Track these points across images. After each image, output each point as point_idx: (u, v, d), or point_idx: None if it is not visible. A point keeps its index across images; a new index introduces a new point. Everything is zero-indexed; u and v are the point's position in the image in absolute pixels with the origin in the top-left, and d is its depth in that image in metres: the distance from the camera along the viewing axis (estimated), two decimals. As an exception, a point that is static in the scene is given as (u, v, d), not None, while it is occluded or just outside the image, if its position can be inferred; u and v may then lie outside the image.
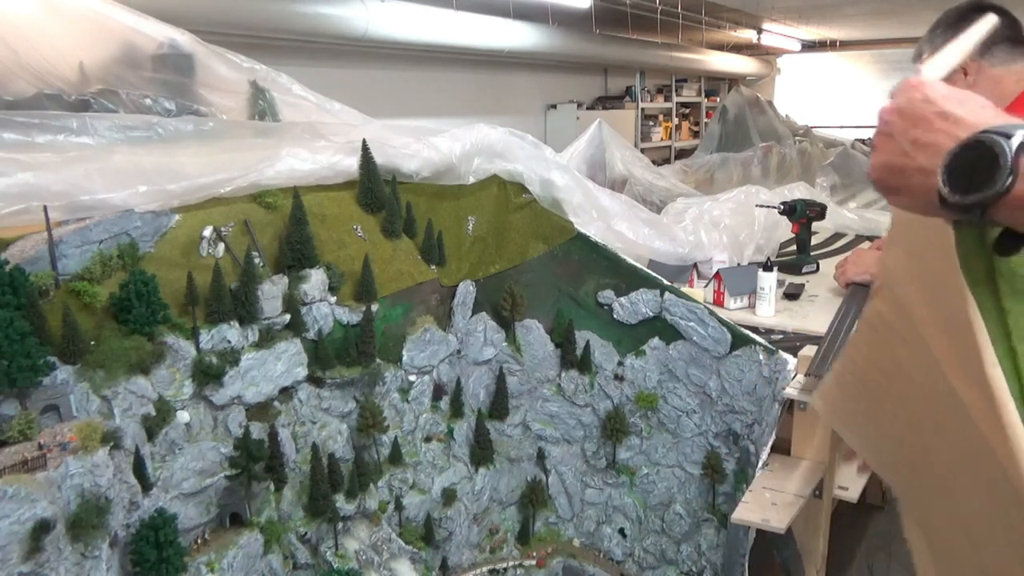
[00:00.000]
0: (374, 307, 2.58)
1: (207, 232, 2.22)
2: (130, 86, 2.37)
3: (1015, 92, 2.06)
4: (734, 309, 2.91)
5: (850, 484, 2.39)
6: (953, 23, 2.09)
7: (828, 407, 0.99)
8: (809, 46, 11.71)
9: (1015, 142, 0.57)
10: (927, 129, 0.65)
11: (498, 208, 3.07)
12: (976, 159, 0.59)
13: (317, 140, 2.57)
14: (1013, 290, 0.69)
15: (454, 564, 2.79)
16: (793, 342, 2.65)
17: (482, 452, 2.88)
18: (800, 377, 2.35)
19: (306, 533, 2.34)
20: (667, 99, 9.57)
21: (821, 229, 4.01)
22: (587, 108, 8.19)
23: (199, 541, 2.12)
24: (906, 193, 0.66)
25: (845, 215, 4.22)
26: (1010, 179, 0.57)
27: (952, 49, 0.84)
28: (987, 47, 2.08)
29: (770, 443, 2.36)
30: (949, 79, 2.32)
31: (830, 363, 2.22)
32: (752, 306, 2.91)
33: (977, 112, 0.64)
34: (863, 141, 8.81)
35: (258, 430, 2.26)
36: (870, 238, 3.95)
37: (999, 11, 2.11)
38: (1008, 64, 2.06)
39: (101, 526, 1.70)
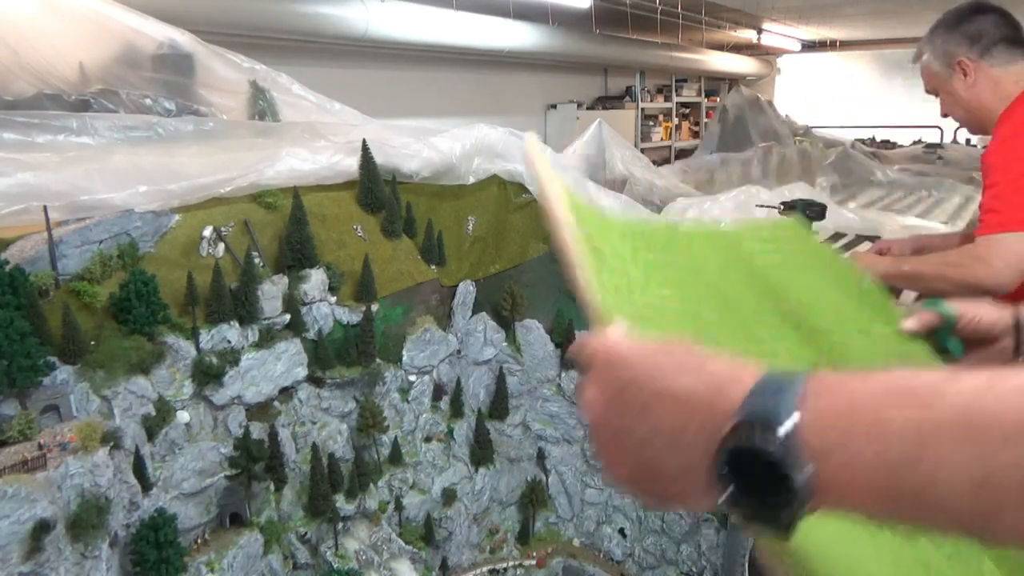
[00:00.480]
0: (374, 307, 2.57)
1: (207, 232, 2.22)
2: (130, 86, 2.37)
3: (1013, 93, 2.08)
4: (734, 309, 2.91)
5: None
6: (953, 24, 2.10)
7: None
8: (809, 46, 11.71)
9: (781, 430, 0.42)
10: (666, 418, 0.48)
11: (498, 208, 3.07)
12: (753, 466, 0.43)
13: (317, 140, 2.57)
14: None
15: (454, 564, 2.79)
16: (793, 342, 2.64)
17: (482, 452, 2.88)
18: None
19: (306, 533, 2.34)
20: (667, 99, 9.57)
21: (821, 229, 4.01)
22: (587, 108, 8.19)
23: (199, 541, 2.12)
24: (684, 499, 0.48)
25: (845, 215, 4.22)
26: (807, 478, 0.42)
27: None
28: (986, 48, 2.09)
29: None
30: (950, 80, 2.32)
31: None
32: (752, 306, 2.91)
33: (709, 379, 0.48)
34: (863, 141, 8.81)
35: (258, 430, 2.25)
36: (870, 238, 3.95)
37: (998, 11, 2.12)
38: (1007, 65, 2.07)
39: (101, 526, 1.70)
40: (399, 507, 2.61)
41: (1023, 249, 1.88)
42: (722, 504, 0.44)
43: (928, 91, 2.25)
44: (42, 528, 1.57)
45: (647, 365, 0.51)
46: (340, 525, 2.40)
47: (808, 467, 0.42)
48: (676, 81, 9.75)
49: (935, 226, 4.37)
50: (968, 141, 8.95)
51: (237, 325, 2.21)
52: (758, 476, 0.43)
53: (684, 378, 0.49)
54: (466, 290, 2.93)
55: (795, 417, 0.43)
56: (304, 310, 2.40)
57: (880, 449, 0.41)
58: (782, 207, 3.42)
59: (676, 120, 9.76)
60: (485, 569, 2.87)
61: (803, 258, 1.06)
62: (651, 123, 9.25)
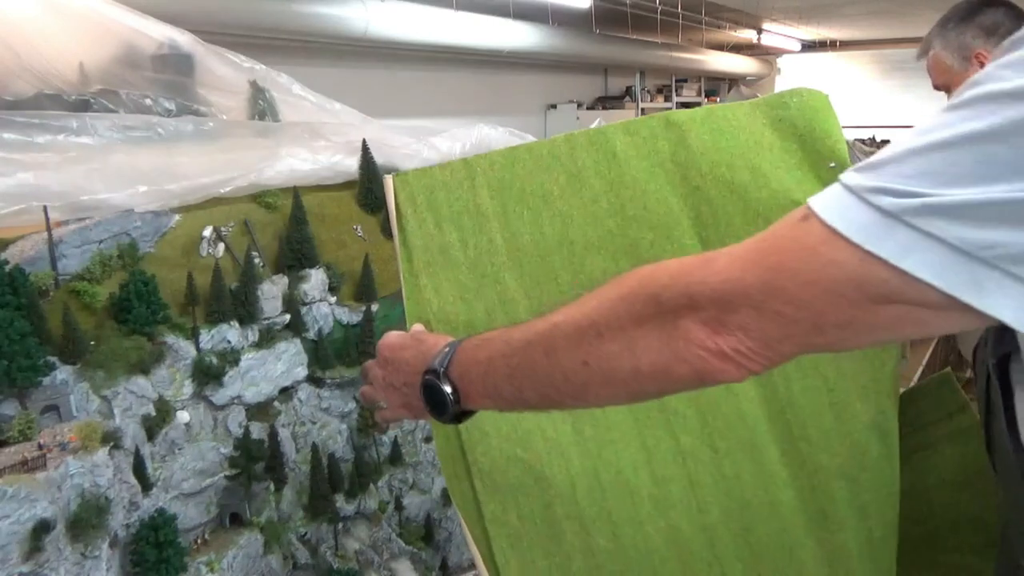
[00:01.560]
0: (374, 307, 2.58)
1: (207, 232, 2.22)
2: (130, 86, 2.37)
3: None
4: (734, 309, 2.90)
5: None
6: (966, 17, 2.08)
7: None
8: (809, 46, 11.71)
9: (439, 371, 0.83)
10: (403, 374, 0.92)
11: (498, 208, 3.07)
12: (433, 392, 0.84)
13: (317, 140, 2.57)
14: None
15: (454, 564, 2.79)
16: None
17: (482, 452, 2.88)
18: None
19: (306, 533, 2.34)
20: (667, 99, 9.56)
21: (821, 229, 4.00)
22: (587, 108, 8.19)
23: (199, 541, 2.12)
24: (424, 415, 0.90)
25: (845, 215, 4.21)
26: (453, 397, 0.82)
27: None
28: (1001, 39, 2.05)
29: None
30: (964, 74, 2.27)
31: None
32: (752, 306, 2.90)
33: (422, 348, 0.90)
34: (863, 141, 8.81)
35: (258, 430, 2.26)
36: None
37: (1009, 4, 2.09)
38: None
39: (101, 526, 1.70)
40: (399, 507, 2.61)
41: None
42: (428, 412, 0.87)
43: (937, 86, 2.22)
44: (42, 528, 1.57)
45: (396, 346, 0.95)
46: (340, 525, 2.40)
47: (449, 389, 0.82)
48: (676, 81, 9.75)
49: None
50: (968, 141, 8.94)
51: (237, 325, 2.21)
52: (436, 397, 0.84)
53: (409, 351, 0.92)
54: (466, 290, 2.93)
55: (445, 365, 0.83)
56: (304, 310, 2.40)
57: (477, 373, 0.80)
58: (782, 207, 3.42)
59: (676, 120, 9.73)
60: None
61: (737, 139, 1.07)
62: (651, 123, 9.23)
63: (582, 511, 1.04)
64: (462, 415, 0.85)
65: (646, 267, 0.68)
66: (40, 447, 1.67)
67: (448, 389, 0.82)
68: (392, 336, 0.99)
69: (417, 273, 1.03)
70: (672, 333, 0.63)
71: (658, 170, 1.04)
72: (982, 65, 2.06)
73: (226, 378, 2.16)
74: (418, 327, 1.01)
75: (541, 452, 1.05)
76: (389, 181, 1.00)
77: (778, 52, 11.58)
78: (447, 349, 0.84)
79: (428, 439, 2.77)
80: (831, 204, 0.58)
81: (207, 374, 2.12)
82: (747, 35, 9.78)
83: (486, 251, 1.00)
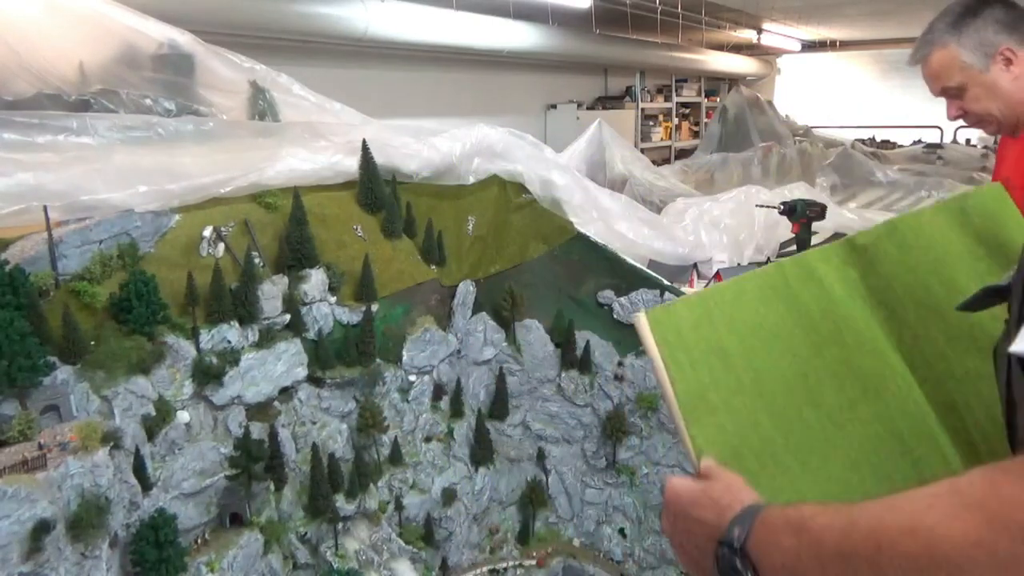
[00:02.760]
0: (374, 307, 2.58)
1: (207, 232, 2.22)
2: (130, 86, 2.37)
3: None
4: (734, 309, 2.90)
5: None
6: (978, 11, 1.98)
7: None
8: (809, 46, 11.70)
9: (736, 547, 0.78)
10: (695, 537, 0.86)
11: (498, 208, 3.07)
12: (728, 567, 0.78)
13: (317, 140, 2.57)
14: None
15: (454, 564, 2.79)
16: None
17: (482, 452, 2.88)
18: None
19: (306, 533, 2.34)
20: (667, 99, 9.56)
21: (821, 229, 4.00)
22: (587, 108, 8.19)
23: (199, 541, 2.12)
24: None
25: (845, 215, 4.22)
26: (749, 574, 0.76)
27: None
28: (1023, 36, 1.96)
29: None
30: (986, 72, 2.10)
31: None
32: (752, 306, 2.90)
33: (716, 509, 0.84)
34: (863, 141, 8.81)
35: (258, 430, 2.25)
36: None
37: (1005, 3, 1.99)
38: None
39: (101, 526, 1.70)
40: (399, 507, 2.61)
41: None
42: None
43: (945, 89, 2.08)
44: (42, 528, 1.57)
45: (687, 502, 0.88)
46: (340, 525, 2.40)
47: (748, 569, 0.76)
48: (676, 81, 9.74)
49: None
50: (968, 141, 8.94)
51: (237, 325, 2.21)
52: (733, 572, 0.77)
53: (704, 511, 0.85)
54: (466, 290, 2.93)
55: (743, 540, 0.77)
56: (304, 310, 2.40)
57: (780, 561, 0.74)
58: (782, 207, 3.42)
59: (676, 120, 9.75)
60: (485, 569, 2.87)
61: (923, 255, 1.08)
62: (651, 123, 9.25)
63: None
64: None
65: (966, 488, 0.62)
66: (40, 447, 1.67)
67: (746, 571, 0.75)
68: (681, 485, 0.89)
69: (692, 411, 0.99)
70: None
71: (856, 297, 1.06)
72: (1008, 62, 1.98)
73: (226, 378, 2.16)
74: (708, 462, 0.92)
75: None
76: (642, 320, 0.98)
77: (778, 52, 11.57)
78: (745, 518, 0.78)
79: (428, 439, 2.77)
80: None
81: (207, 374, 2.12)
82: (747, 35, 9.77)
83: (736, 391, 1.00)
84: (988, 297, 0.82)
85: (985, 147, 7.97)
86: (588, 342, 2.95)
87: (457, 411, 2.87)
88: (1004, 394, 0.86)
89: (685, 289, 2.97)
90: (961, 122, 2.11)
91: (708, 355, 1.01)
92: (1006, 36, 1.91)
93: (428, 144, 2.81)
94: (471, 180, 2.97)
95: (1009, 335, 0.82)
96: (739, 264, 3.31)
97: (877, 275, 1.07)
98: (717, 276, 2.98)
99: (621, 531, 3.00)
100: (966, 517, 0.60)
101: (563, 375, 2.99)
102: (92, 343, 1.92)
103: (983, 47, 1.93)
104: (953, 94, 2.00)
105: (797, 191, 4.09)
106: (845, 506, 0.71)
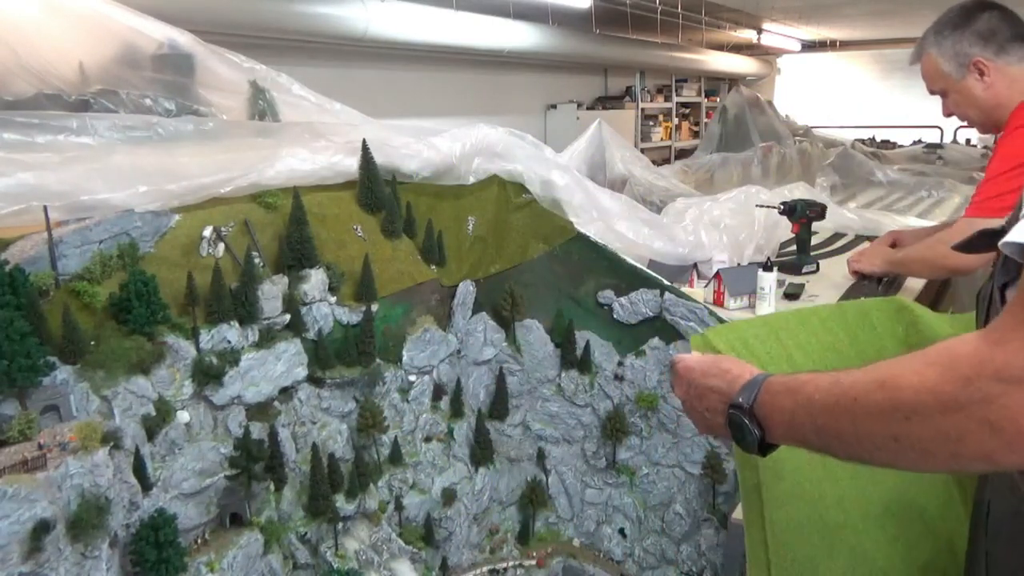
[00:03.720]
0: (374, 307, 2.58)
1: (207, 232, 2.22)
2: (130, 86, 2.37)
3: None
4: (734, 309, 2.90)
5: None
6: (960, 23, 2.06)
7: None
8: (809, 46, 11.70)
9: (745, 408, 0.91)
10: (708, 402, 1.00)
11: (498, 208, 3.07)
12: (738, 425, 0.92)
13: (317, 140, 2.57)
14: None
15: (454, 564, 2.79)
16: (793, 342, 2.64)
17: (482, 452, 2.88)
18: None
19: (306, 533, 2.34)
20: (667, 99, 9.56)
21: (821, 229, 4.00)
22: (587, 108, 8.19)
23: (199, 541, 2.12)
24: (721, 433, 1.00)
25: (845, 215, 4.21)
26: (757, 431, 0.90)
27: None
28: (1001, 46, 2.04)
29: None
30: (962, 80, 2.30)
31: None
32: (752, 306, 2.90)
33: (727, 378, 0.97)
34: (863, 141, 8.81)
35: (258, 430, 2.25)
36: (870, 238, 3.95)
37: (1001, 8, 2.08)
38: (1023, 63, 2.03)
39: (101, 526, 1.70)
40: (399, 507, 2.61)
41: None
42: (733, 441, 0.95)
43: (932, 91, 2.20)
44: (42, 528, 1.57)
45: (700, 373, 1.02)
46: (340, 525, 2.40)
47: (755, 426, 0.91)
48: (676, 81, 9.74)
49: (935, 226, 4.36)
50: (968, 141, 8.95)
51: (237, 325, 2.21)
52: (742, 431, 0.92)
53: (716, 380, 0.99)
54: (466, 290, 2.93)
55: (750, 403, 0.91)
56: (304, 310, 2.40)
57: (781, 420, 0.88)
58: (782, 207, 3.42)
59: (676, 120, 9.75)
60: (485, 569, 2.87)
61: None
62: (651, 123, 9.25)
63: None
64: (766, 447, 0.91)
65: (932, 352, 0.73)
66: (40, 447, 1.67)
67: (754, 427, 0.90)
68: (694, 360, 1.04)
69: None
70: (996, 422, 0.65)
71: (902, 348, 1.21)
72: (981, 73, 2.07)
73: (226, 378, 2.16)
74: (724, 357, 1.07)
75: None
76: (701, 337, 1.22)
77: (778, 52, 11.57)
78: (753, 385, 0.91)
79: (428, 439, 2.77)
80: None
81: (207, 374, 2.12)
82: (747, 35, 9.77)
83: None
84: (982, 238, 0.91)
85: (985, 147, 7.97)
86: (588, 342, 2.95)
87: (457, 411, 2.87)
88: (982, 325, 0.97)
89: (685, 289, 2.97)
90: (960, 121, 2.25)
91: (778, 361, 1.16)
92: (980, 48, 2.06)
93: (428, 144, 2.81)
94: (471, 180, 2.97)
95: (993, 276, 0.91)
96: (739, 264, 3.31)
97: (919, 333, 1.24)
98: (717, 276, 2.98)
99: (621, 531, 3.00)
100: (925, 370, 0.71)
101: (563, 375, 2.99)
102: (92, 343, 1.92)
103: (958, 57, 2.09)
104: (941, 95, 2.16)
105: (797, 191, 4.08)
106: (833, 371, 0.83)
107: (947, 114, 2.20)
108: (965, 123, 2.23)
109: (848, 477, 1.16)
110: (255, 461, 2.18)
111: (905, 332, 1.23)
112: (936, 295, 3.46)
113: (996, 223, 0.84)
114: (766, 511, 1.17)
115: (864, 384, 0.76)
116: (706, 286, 3.08)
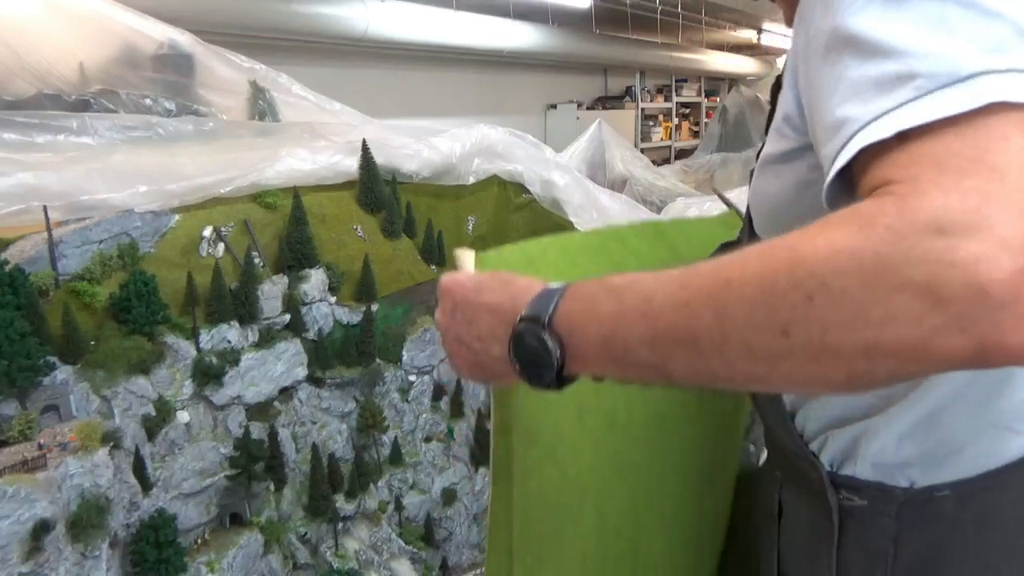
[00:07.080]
0: (374, 307, 2.57)
1: (207, 232, 2.22)
2: (130, 86, 2.37)
3: None
4: (734, 309, 2.91)
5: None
6: None
7: None
8: (809, 46, 11.67)
9: (542, 320, 0.64)
10: (482, 324, 0.71)
11: (498, 208, 3.07)
12: (529, 347, 0.65)
13: (317, 140, 2.57)
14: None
15: (454, 564, 2.79)
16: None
17: (482, 452, 2.88)
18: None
19: (306, 533, 2.34)
20: (667, 99, 9.55)
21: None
22: (587, 108, 8.19)
23: (199, 541, 2.12)
24: (503, 378, 0.72)
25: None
26: (558, 352, 0.63)
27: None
28: None
29: (770, 443, 2.36)
30: None
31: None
32: (752, 306, 2.91)
33: (510, 291, 0.70)
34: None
35: (258, 430, 2.25)
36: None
37: None
38: None
39: (101, 526, 1.70)
40: (399, 507, 2.61)
41: None
42: (518, 375, 0.67)
43: None
44: (42, 528, 1.57)
45: (471, 288, 0.74)
46: (340, 525, 2.40)
47: (556, 345, 0.63)
48: (676, 81, 9.73)
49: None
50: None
51: (237, 325, 2.21)
52: (533, 354, 0.64)
53: (493, 294, 0.71)
54: (466, 290, 2.93)
55: (549, 312, 0.63)
56: (304, 310, 2.40)
57: (597, 332, 0.61)
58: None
59: (676, 120, 9.74)
60: (485, 569, 2.87)
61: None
62: (651, 123, 9.24)
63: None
64: (563, 380, 0.66)
65: (832, 217, 0.52)
66: (40, 447, 1.67)
67: (555, 346, 0.63)
68: (462, 275, 0.79)
69: None
70: (939, 289, 0.45)
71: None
72: None
73: (226, 378, 2.16)
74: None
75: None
76: (467, 255, 0.96)
77: (778, 52, 11.57)
78: (549, 295, 0.65)
79: (428, 439, 2.77)
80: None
81: (207, 374, 2.12)
82: (747, 35, 9.78)
83: None
84: (723, 250, 0.84)
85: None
86: (588, 342, 2.95)
87: (457, 411, 2.87)
88: None
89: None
90: None
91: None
92: None
93: (428, 144, 2.81)
94: (471, 180, 2.97)
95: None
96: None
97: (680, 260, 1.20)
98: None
99: (621, 531, 3.00)
100: (833, 232, 0.50)
101: (563, 375, 2.99)
102: (92, 343, 1.92)
103: None
104: None
105: (797, 191, 4.08)
106: (675, 269, 0.60)
107: None
108: None
109: (605, 430, 1.03)
110: (255, 461, 2.18)
111: (668, 255, 1.18)
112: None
113: None
114: (515, 485, 1.01)
115: (739, 264, 0.55)
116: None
